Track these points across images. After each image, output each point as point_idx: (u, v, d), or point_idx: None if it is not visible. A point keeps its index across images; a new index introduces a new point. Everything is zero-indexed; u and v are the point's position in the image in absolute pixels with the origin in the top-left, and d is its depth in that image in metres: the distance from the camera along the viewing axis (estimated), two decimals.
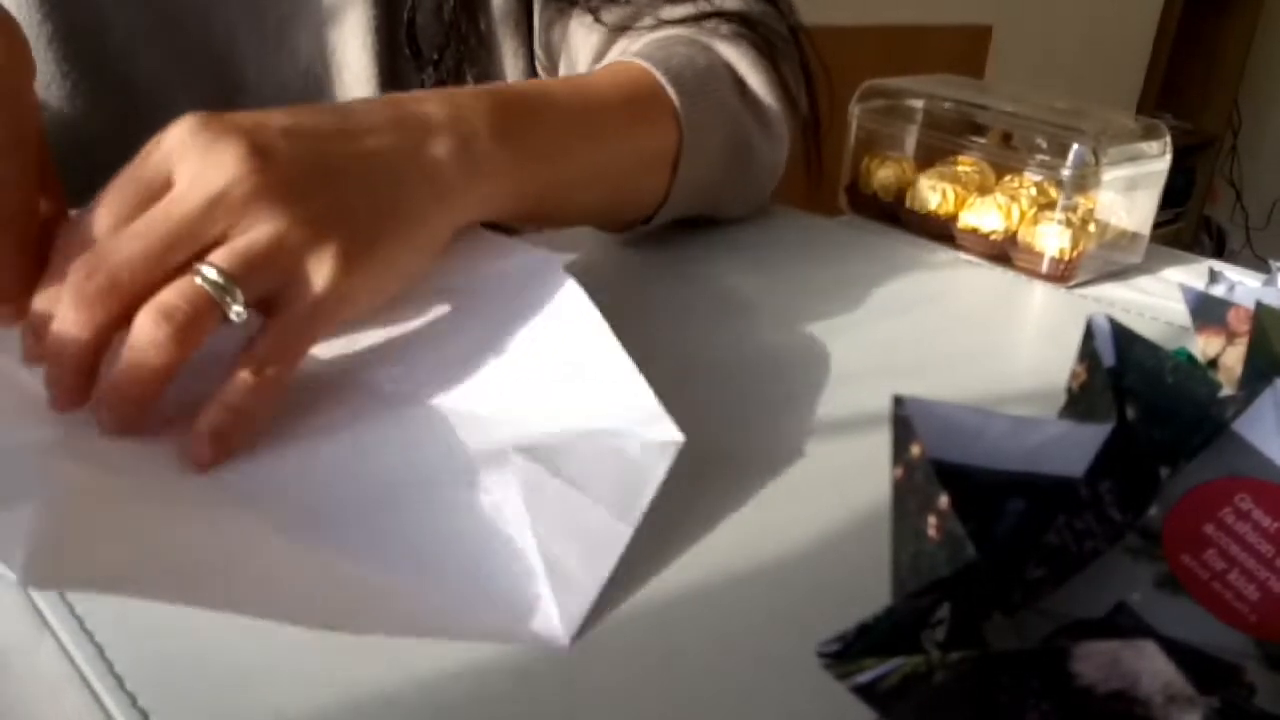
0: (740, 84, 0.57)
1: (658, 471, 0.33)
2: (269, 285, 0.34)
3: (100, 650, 0.27)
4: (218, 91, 0.54)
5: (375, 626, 0.28)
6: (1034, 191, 0.60)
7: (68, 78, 0.49)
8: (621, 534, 0.31)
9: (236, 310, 0.33)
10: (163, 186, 0.34)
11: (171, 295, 0.32)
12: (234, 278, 0.33)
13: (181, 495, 0.33)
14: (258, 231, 0.34)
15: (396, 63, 0.56)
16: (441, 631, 0.29)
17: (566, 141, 0.46)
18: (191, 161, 0.33)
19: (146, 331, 0.32)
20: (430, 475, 0.35)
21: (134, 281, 0.32)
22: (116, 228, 0.33)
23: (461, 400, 0.38)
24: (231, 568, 0.29)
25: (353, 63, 0.55)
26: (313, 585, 0.30)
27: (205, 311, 0.33)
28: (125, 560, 0.28)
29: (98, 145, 0.51)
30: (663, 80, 0.51)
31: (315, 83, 0.54)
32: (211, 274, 0.33)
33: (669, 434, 0.34)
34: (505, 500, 0.33)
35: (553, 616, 0.29)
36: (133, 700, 0.26)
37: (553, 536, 0.31)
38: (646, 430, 0.35)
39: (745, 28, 0.58)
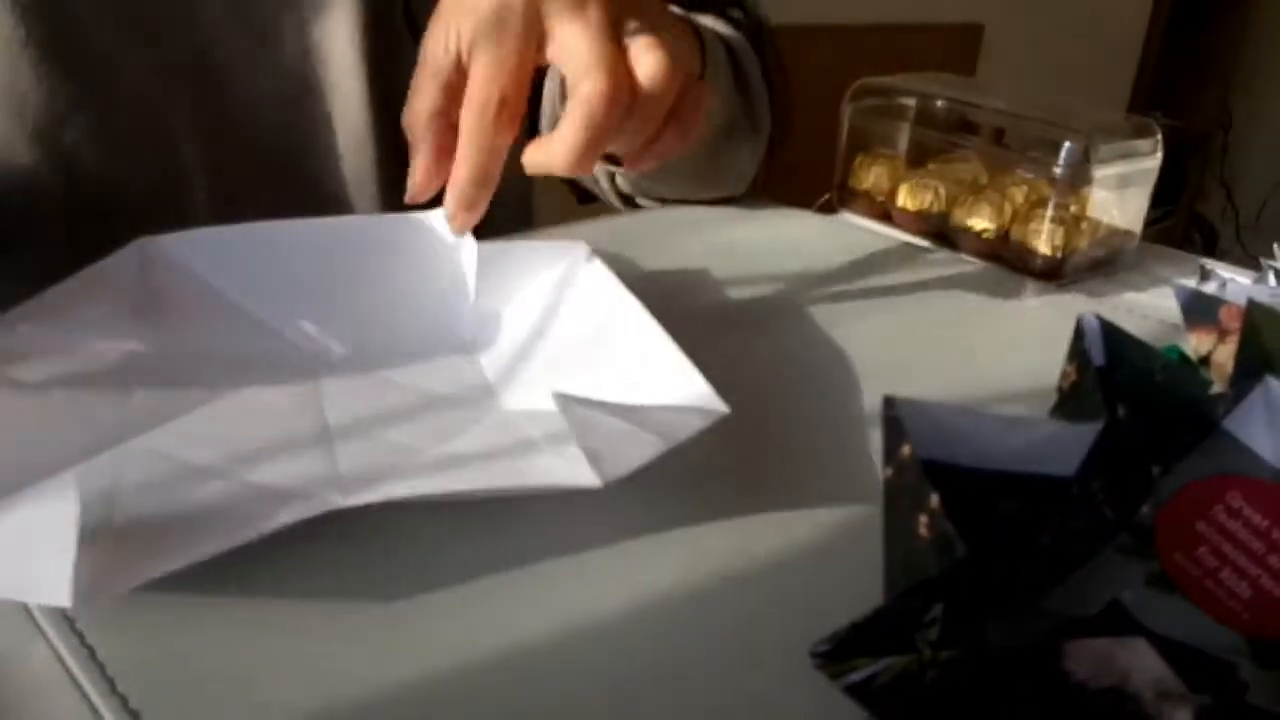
0: (735, 66, 0.60)
1: (693, 423, 0.33)
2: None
3: (92, 652, 0.27)
4: (202, 90, 0.53)
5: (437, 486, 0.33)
6: (1026, 190, 0.60)
7: (44, 81, 0.49)
8: (653, 443, 0.32)
9: None
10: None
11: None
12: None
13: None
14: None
15: (385, 54, 0.56)
16: (489, 480, 0.34)
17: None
18: None
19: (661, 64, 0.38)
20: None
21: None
22: None
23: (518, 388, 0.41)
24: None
25: (341, 57, 0.55)
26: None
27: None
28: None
29: (81, 150, 0.50)
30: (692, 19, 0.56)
31: (303, 79, 0.53)
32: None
33: (712, 404, 0.34)
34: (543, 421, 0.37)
35: (587, 465, 0.32)
36: (124, 702, 0.26)
37: (587, 429, 0.34)
38: (689, 398, 0.35)
39: (734, 27, 0.62)
